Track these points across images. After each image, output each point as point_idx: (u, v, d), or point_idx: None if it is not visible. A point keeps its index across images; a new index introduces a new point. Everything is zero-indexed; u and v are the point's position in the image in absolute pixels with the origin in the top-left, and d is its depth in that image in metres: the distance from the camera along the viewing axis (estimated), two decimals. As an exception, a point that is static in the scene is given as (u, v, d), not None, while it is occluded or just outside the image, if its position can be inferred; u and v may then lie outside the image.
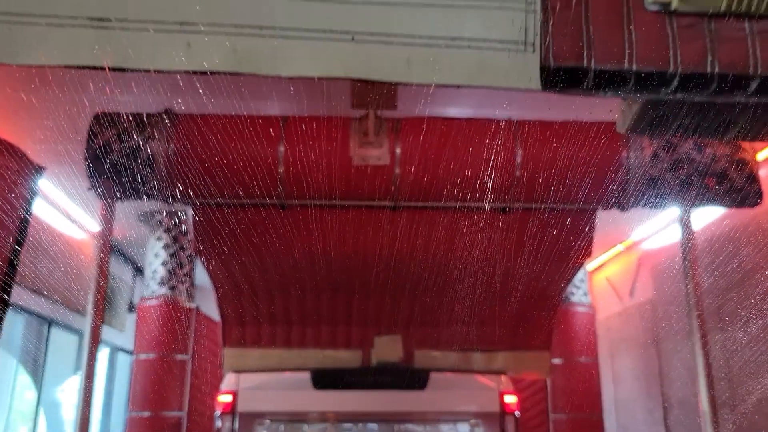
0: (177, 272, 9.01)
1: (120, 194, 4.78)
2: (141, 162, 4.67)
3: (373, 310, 5.81)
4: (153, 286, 8.99)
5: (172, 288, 8.95)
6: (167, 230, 9.07)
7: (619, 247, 10.74)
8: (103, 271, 4.60)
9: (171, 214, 9.16)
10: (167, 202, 4.84)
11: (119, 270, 11.34)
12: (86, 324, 4.48)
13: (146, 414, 8.41)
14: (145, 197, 4.85)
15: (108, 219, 4.76)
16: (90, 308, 4.51)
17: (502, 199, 4.96)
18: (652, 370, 9.79)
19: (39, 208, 8.27)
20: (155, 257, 9.11)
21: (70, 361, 9.88)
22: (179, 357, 8.71)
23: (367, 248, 5.21)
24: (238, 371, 5.76)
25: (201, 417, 8.78)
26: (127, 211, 9.22)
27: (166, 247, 9.06)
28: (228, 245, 4.99)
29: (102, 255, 4.62)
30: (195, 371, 8.88)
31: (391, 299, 5.65)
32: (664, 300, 9.38)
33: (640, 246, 10.34)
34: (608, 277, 11.40)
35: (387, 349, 5.75)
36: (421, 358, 5.86)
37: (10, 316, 8.53)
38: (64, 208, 8.60)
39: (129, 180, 4.72)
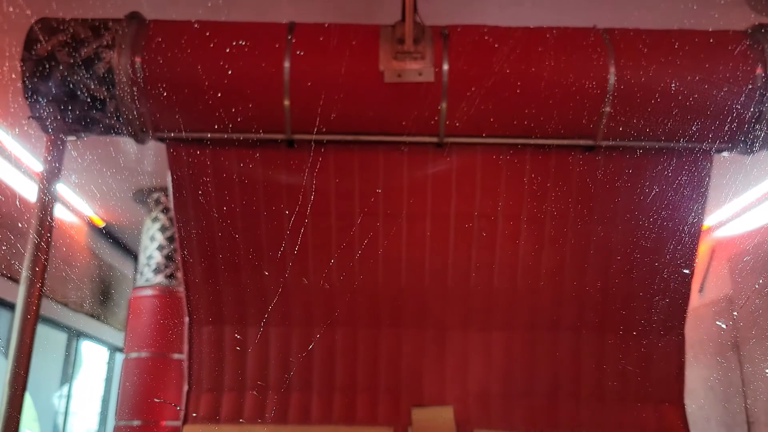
0: (176, 258, 7.78)
1: (70, 125, 3.54)
2: (98, 82, 3.44)
3: (409, 356, 4.17)
4: (147, 273, 7.81)
5: (170, 276, 7.74)
6: (165, 210, 7.88)
7: (687, 236, 9.30)
8: (45, 225, 3.36)
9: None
10: (133, 136, 3.58)
11: (118, 261, 10.24)
12: (20, 291, 3.25)
13: (136, 423, 7.19)
14: (103, 130, 3.61)
15: (55, 158, 3.52)
16: (25, 271, 3.28)
17: (587, 134, 3.62)
18: (731, 379, 8.34)
19: (20, 185, 7.16)
20: (151, 241, 7.94)
21: (56, 361, 8.77)
22: (176, 356, 7.47)
23: (399, 208, 3.89)
24: None
25: (200, 428, 7.50)
26: (120, 190, 8.10)
27: (163, 229, 7.88)
28: (208, 209, 3.69)
29: (45, 202, 3.39)
30: (194, 374, 7.60)
31: (436, 328, 4.09)
32: (748, 296, 7.94)
33: (712, 233, 8.91)
34: (671, 272, 9.95)
35: (431, 426, 4.01)
36: None
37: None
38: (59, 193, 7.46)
39: (82, 106, 3.49)
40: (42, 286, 3.34)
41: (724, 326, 8.43)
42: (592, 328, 4.03)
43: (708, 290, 8.92)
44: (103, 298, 9.51)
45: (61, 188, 7.52)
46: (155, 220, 7.79)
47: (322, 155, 3.67)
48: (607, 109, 3.52)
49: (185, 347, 4.00)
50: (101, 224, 8.89)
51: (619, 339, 4.03)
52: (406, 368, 4.07)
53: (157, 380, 7.13)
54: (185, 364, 4.01)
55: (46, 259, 3.36)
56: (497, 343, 4.12)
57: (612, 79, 3.48)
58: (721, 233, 8.62)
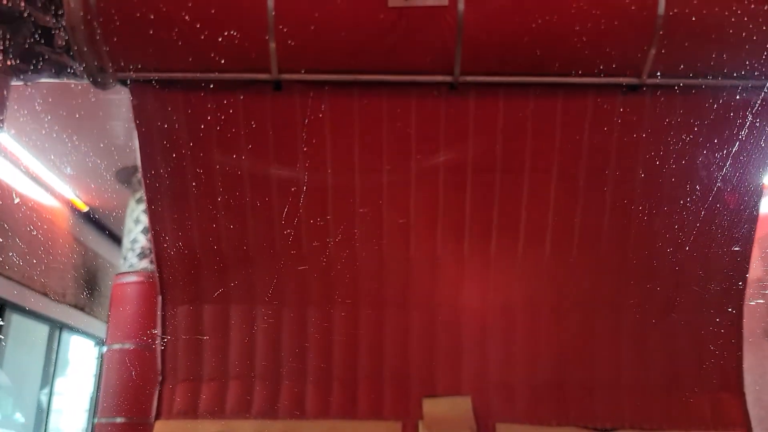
0: (162, 242, 7.17)
1: (13, 64, 2.95)
2: (43, 8, 2.86)
3: (419, 339, 3.58)
4: (132, 259, 7.22)
5: (156, 261, 7.14)
6: (150, 190, 7.28)
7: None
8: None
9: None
10: (90, 77, 3.00)
11: (104, 249, 9.67)
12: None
13: (118, 420, 6.60)
14: (53, 70, 3.02)
15: (-3, 103, 2.94)
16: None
17: (631, 71, 3.03)
18: (763, 370, 7.76)
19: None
20: (135, 224, 7.35)
21: (38, 354, 8.21)
22: (162, 348, 6.88)
23: (407, 162, 3.29)
24: None
25: (189, 425, 6.92)
26: (102, 170, 7.52)
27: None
28: (179, 163, 3.09)
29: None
30: (182, 366, 7.01)
31: (450, 306, 3.47)
32: (782, 278, 7.35)
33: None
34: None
35: (446, 419, 3.43)
36: None
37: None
38: (31, 170, 6.90)
39: (25, 39, 2.90)
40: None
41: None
42: (634, 306, 3.44)
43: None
44: (88, 288, 8.95)
45: (39, 168, 6.95)
46: (140, 200, 7.21)
47: (315, 99, 3.08)
48: (656, 39, 2.93)
49: (158, 330, 3.42)
50: (84, 208, 8.32)
51: (666, 318, 3.44)
52: (416, 353, 3.48)
53: (140, 374, 6.56)
54: (158, 350, 3.44)
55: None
56: (522, 323, 3.53)
57: (662, 1, 2.89)
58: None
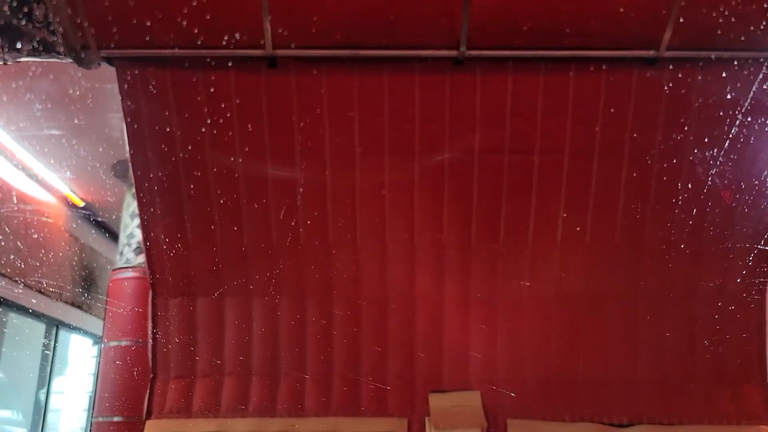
0: (159, 237, 7.00)
1: (-8, 42, 2.78)
2: (24, -18, 2.69)
3: (425, 331, 3.40)
4: (128, 254, 7.06)
5: (153, 257, 6.96)
6: (147, 184, 7.10)
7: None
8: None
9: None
10: (73, 55, 2.82)
11: (101, 245, 9.51)
12: None
13: (116, 419, 6.44)
14: (34, 48, 2.84)
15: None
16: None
17: (649, 43, 2.84)
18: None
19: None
20: (131, 218, 7.19)
21: (35, 352, 8.09)
22: (160, 345, 6.70)
23: (410, 143, 3.11)
24: None
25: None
26: (97, 165, 7.37)
27: (144, 204, 7.10)
28: (169, 145, 2.91)
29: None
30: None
31: (457, 296, 3.29)
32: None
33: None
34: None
35: (455, 414, 3.24)
36: None
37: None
38: (26, 164, 6.76)
39: (2, 14, 2.73)
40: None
41: None
42: (651, 293, 3.26)
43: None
44: (85, 285, 8.79)
45: (33, 163, 6.78)
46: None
47: (312, 77, 2.90)
48: (676, 9, 2.74)
49: (148, 325, 3.25)
50: (80, 204, 8.16)
51: (685, 306, 3.26)
52: (422, 346, 3.29)
53: (138, 372, 6.40)
54: (149, 346, 3.26)
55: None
56: (532, 314, 3.35)
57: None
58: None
